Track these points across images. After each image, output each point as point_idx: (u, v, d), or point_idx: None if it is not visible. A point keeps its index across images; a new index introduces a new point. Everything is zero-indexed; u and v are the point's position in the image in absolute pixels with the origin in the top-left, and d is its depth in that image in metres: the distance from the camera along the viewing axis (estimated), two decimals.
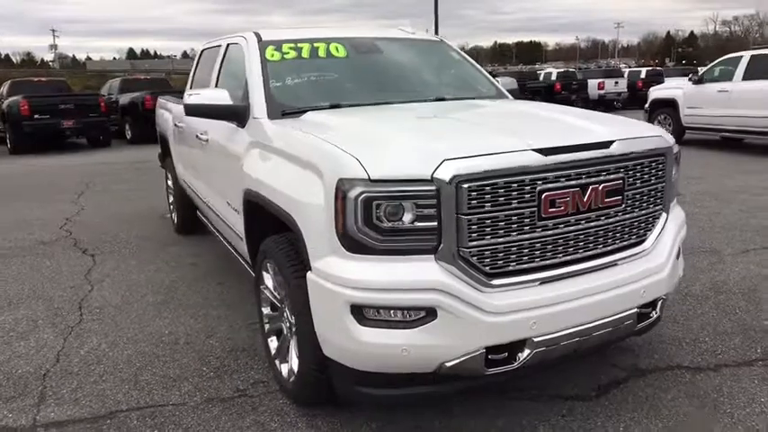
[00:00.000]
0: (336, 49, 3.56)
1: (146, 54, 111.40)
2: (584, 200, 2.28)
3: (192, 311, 3.92)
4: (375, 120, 2.86)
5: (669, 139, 2.61)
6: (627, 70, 28.52)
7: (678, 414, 2.60)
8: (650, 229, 2.56)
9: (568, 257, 2.31)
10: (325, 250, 2.20)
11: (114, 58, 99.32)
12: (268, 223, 2.97)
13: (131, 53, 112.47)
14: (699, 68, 15.07)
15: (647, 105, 12.68)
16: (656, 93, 12.59)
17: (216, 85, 3.98)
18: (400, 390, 2.28)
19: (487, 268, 2.16)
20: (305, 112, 3.02)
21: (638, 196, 2.45)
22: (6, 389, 2.99)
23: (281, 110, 3.07)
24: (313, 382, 2.52)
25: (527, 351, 2.22)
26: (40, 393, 2.94)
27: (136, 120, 14.96)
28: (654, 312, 2.58)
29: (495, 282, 2.16)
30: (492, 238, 2.15)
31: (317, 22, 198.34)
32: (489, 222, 2.13)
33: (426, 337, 2.11)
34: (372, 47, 3.76)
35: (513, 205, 2.15)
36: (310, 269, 2.28)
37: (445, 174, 2.05)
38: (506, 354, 2.22)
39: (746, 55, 10.70)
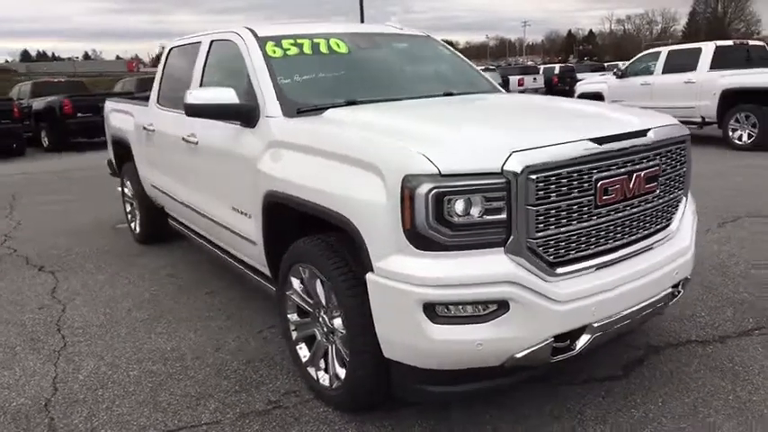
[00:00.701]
0: (337, 44, 3.48)
1: (42, 56, 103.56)
2: (630, 186, 2.36)
3: (189, 325, 3.70)
4: (411, 116, 2.81)
5: (685, 128, 2.75)
6: (542, 67, 29.91)
7: (706, 386, 2.76)
8: (674, 213, 2.70)
9: (617, 243, 2.39)
10: (390, 249, 2.14)
11: (7, 61, 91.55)
12: (291, 226, 2.88)
13: (26, 55, 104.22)
14: (620, 63, 16.00)
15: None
16: (583, 87, 13.28)
17: (200, 85, 3.77)
18: (465, 385, 2.27)
19: (551, 258, 2.19)
20: (322, 109, 2.92)
21: (668, 182, 2.58)
22: (6, 425, 2.70)
23: (295, 108, 2.95)
24: (365, 387, 2.45)
25: (587, 336, 2.28)
26: (49, 425, 2.67)
27: (53, 126, 13.93)
28: (679, 291, 2.72)
29: (559, 270, 2.20)
30: (555, 227, 2.18)
31: (225, 21, 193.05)
32: (553, 212, 2.16)
33: (499, 330, 2.11)
34: (372, 42, 3.71)
35: (574, 194, 2.20)
36: (371, 270, 2.21)
37: (515, 166, 2.06)
38: (568, 341, 2.26)
39: (664, 50, 11.51)
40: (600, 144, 2.25)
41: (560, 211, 2.18)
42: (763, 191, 6.73)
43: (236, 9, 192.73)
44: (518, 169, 2.05)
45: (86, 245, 5.63)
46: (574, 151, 2.18)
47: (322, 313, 2.69)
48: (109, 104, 5.87)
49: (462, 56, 4.09)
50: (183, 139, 3.77)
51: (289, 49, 3.32)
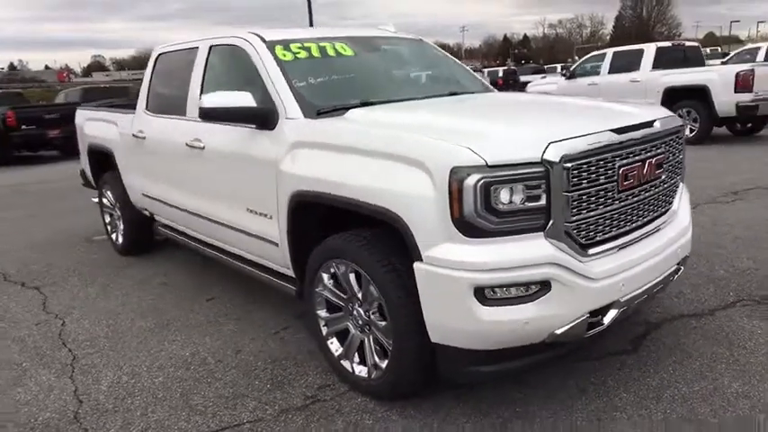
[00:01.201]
0: (343, 48, 3.58)
1: None
2: (644, 172, 2.58)
3: (200, 330, 3.69)
4: (437, 114, 2.95)
5: (678, 119, 3.02)
6: (485, 70, 30.72)
7: (707, 353, 3.02)
8: (674, 196, 2.95)
9: (633, 225, 2.61)
10: (439, 238, 2.27)
11: None
12: (315, 225, 2.96)
13: None
14: (559, 66, 16.71)
15: None
16: (534, 88, 13.83)
17: (201, 91, 3.78)
18: (508, 364, 2.42)
19: (583, 240, 2.37)
20: (341, 110, 3.02)
21: (670, 167, 2.82)
22: None
23: (315, 109, 3.04)
24: (409, 373, 2.57)
25: (615, 311, 2.48)
26: None
27: None
28: (680, 268, 2.97)
29: (590, 251, 2.38)
30: (586, 212, 2.37)
31: (158, 28, 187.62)
32: (584, 198, 2.35)
33: (543, 308, 2.27)
34: (373, 45, 3.83)
35: (601, 180, 2.39)
36: (420, 259, 2.33)
37: (554, 155, 2.23)
38: (599, 316, 2.45)
39: (609, 52, 12.16)
40: (620, 134, 2.46)
41: (590, 197, 2.37)
42: (709, 179, 7.24)
43: (168, 16, 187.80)
44: (556, 158, 2.23)
45: (64, 258, 5.46)
46: (601, 141, 2.37)
47: (357, 306, 2.78)
48: (83, 113, 5.72)
49: (453, 57, 4.27)
50: (187, 144, 3.77)
51: (298, 53, 3.39)
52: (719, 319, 3.39)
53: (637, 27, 71.10)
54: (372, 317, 2.69)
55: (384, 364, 2.65)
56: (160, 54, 4.50)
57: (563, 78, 12.94)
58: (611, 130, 2.45)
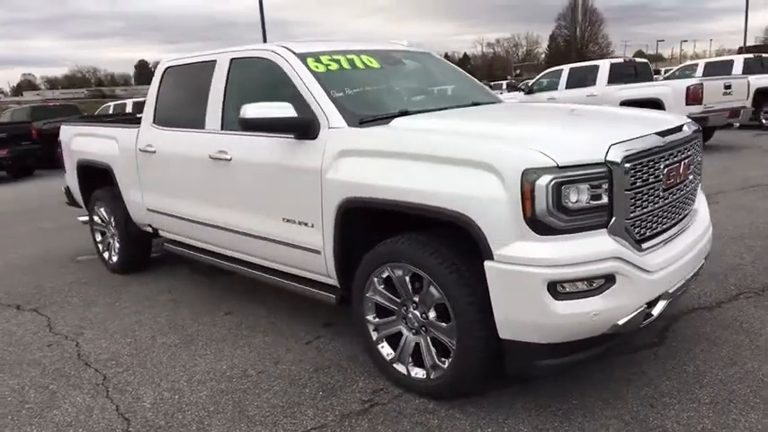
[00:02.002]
0: (370, 60, 3.66)
1: None
2: (680, 172, 2.79)
3: (229, 344, 3.64)
4: (485, 121, 3.07)
5: (696, 124, 3.26)
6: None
7: (729, 341, 3.24)
8: (696, 197, 3.18)
9: (672, 222, 2.80)
10: (511, 237, 2.37)
11: None
12: (363, 230, 3.02)
13: None
14: (503, 82, 17.34)
15: None
16: None
17: (224, 103, 3.77)
18: (572, 356, 2.53)
19: (637, 236, 2.54)
20: (383, 119, 3.09)
21: (696, 168, 3.05)
22: None
23: (357, 119, 3.10)
24: (474, 371, 2.64)
25: (663, 302, 2.64)
26: None
27: None
28: (705, 263, 3.19)
29: (644, 246, 2.55)
30: (639, 209, 2.53)
31: (90, 46, 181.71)
32: (638, 196, 2.52)
33: (608, 300, 2.40)
34: (396, 58, 3.93)
35: (650, 180, 2.57)
36: (491, 258, 2.42)
37: (615, 156, 2.38)
38: (651, 307, 2.61)
39: (566, 68, 12.75)
40: (663, 136, 2.66)
41: (642, 195, 2.54)
42: None
43: (104, 34, 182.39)
44: (618, 159, 2.39)
45: (54, 280, 5.23)
46: (650, 142, 2.56)
47: (412, 309, 2.85)
48: (70, 129, 5.53)
49: (461, 69, 4.43)
50: (210, 157, 3.74)
51: (330, 65, 3.45)
52: (729, 311, 3.64)
53: (570, 46, 74.49)
54: (431, 318, 2.76)
55: (446, 364, 2.72)
56: (168, 68, 4.44)
57: (522, 93, 13.43)
58: (656, 133, 2.64)
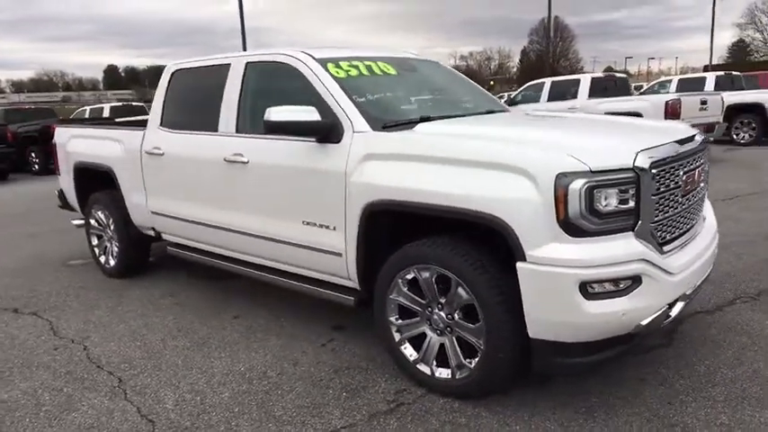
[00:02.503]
0: (386, 67, 3.73)
1: None
2: (695, 179, 2.92)
3: (243, 346, 3.63)
4: (506, 126, 3.16)
5: (703, 133, 3.41)
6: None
7: (733, 342, 3.38)
8: (704, 203, 3.32)
9: (688, 227, 2.92)
10: (544, 238, 2.45)
11: None
12: (386, 233, 3.07)
13: None
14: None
15: None
16: None
17: (239, 106, 3.79)
18: (598, 355, 2.62)
19: (660, 239, 2.65)
20: (405, 124, 3.16)
21: (705, 176, 3.19)
22: None
23: (380, 123, 3.16)
24: (502, 370, 2.70)
25: (681, 304, 2.75)
26: None
27: None
28: (712, 266, 3.32)
29: (665, 249, 2.66)
30: (662, 214, 2.65)
31: (58, 49, 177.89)
32: (662, 201, 2.63)
33: (635, 300, 2.50)
34: (410, 66, 4.00)
35: (672, 186, 2.69)
36: (523, 259, 2.50)
37: (643, 162, 2.49)
38: (671, 308, 2.72)
39: (548, 81, 13.05)
40: (681, 145, 2.78)
41: (665, 200, 2.65)
42: None
43: (72, 38, 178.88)
44: (645, 165, 2.49)
45: (49, 284, 5.13)
46: (673, 150, 2.68)
47: (437, 310, 2.90)
48: (66, 131, 5.45)
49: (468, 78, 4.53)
50: (225, 159, 3.74)
51: (349, 71, 3.50)
52: (729, 314, 3.79)
53: (543, 61, 76.11)
54: (457, 318, 2.82)
55: (472, 364, 2.77)
56: (175, 71, 4.43)
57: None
58: (675, 142, 2.77)
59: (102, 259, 5.29)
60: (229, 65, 3.94)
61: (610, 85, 12.46)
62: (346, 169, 3.09)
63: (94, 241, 5.37)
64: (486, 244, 2.76)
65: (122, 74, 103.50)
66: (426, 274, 2.86)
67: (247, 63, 3.83)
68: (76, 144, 5.26)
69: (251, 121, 3.73)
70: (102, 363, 3.50)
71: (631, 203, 2.49)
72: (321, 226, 3.30)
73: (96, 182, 5.20)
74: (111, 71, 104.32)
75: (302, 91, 3.43)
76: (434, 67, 4.35)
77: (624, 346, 2.66)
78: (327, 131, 3.20)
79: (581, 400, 2.84)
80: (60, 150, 5.49)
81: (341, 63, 3.55)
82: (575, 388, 2.94)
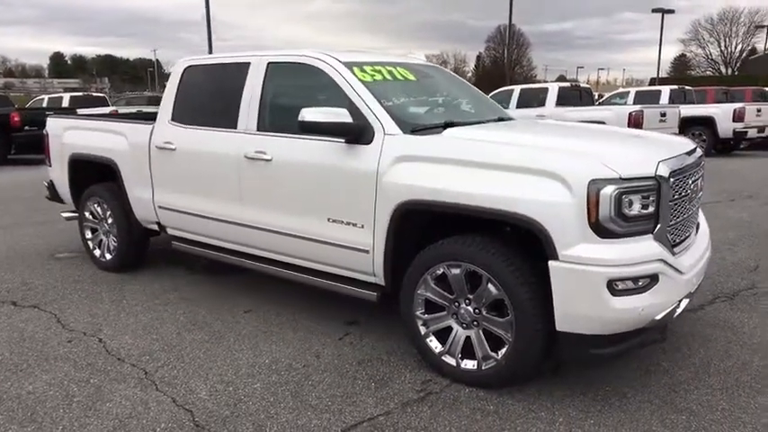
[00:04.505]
0: (406, 73, 3.89)
1: None
2: (698, 187, 3.21)
3: (262, 339, 3.72)
4: (538, 134, 3.39)
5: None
6: None
7: (719, 338, 3.71)
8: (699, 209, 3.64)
9: (690, 231, 3.21)
10: (576, 239, 2.67)
11: None
12: (412, 230, 3.24)
13: None
14: None
15: None
16: None
17: (260, 105, 3.87)
18: (620, 345, 2.85)
19: (672, 242, 2.91)
20: (432, 128, 3.33)
21: (702, 185, 3.49)
22: None
23: (410, 127, 3.32)
24: (530, 360, 2.91)
25: (686, 301, 3.04)
26: None
27: None
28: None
29: (675, 250, 2.93)
30: (675, 219, 2.92)
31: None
32: (675, 206, 2.90)
33: (653, 297, 2.75)
34: (424, 72, 4.17)
35: (683, 194, 2.97)
36: (556, 258, 2.71)
37: (664, 171, 2.75)
38: (678, 305, 2.99)
39: (517, 89, 13.50)
40: (689, 155, 3.07)
41: (678, 206, 2.93)
42: None
43: (15, 22, 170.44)
44: (665, 173, 2.75)
45: (41, 277, 5.04)
46: (684, 161, 2.95)
47: (463, 305, 3.08)
48: (61, 122, 5.35)
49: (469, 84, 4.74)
50: (246, 156, 3.82)
51: (374, 75, 3.64)
52: (711, 312, 4.14)
53: (499, 67, 77.77)
54: (484, 313, 3.01)
55: (499, 355, 2.97)
56: (188, 67, 4.45)
57: None
58: (685, 153, 3.05)
59: (97, 253, 5.23)
60: (249, 63, 4.01)
61: (576, 95, 13.00)
62: (378, 170, 3.24)
63: (88, 234, 5.30)
64: (513, 243, 2.96)
65: (69, 62, 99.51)
66: (456, 271, 3.04)
67: (269, 63, 3.92)
68: (73, 136, 5.19)
69: (274, 120, 3.82)
70: (122, 355, 3.52)
71: (652, 209, 2.75)
72: (348, 223, 3.43)
73: (93, 174, 5.15)
74: (56, 58, 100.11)
75: (328, 93, 3.55)
76: (440, 73, 4.54)
77: (638, 338, 2.91)
78: (358, 133, 3.33)
79: (595, 389, 3.08)
80: (54, 141, 5.39)
81: (365, 67, 3.68)
82: (586, 379, 3.18)
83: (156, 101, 21.23)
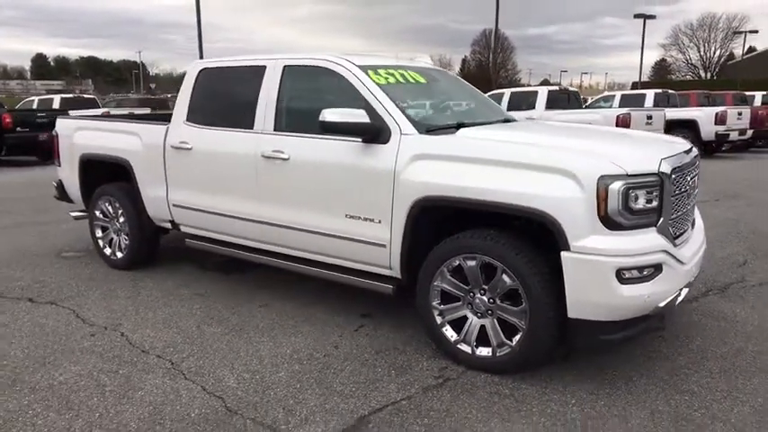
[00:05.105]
0: (416, 76, 4.07)
1: None
2: (695, 184, 3.43)
3: (280, 332, 3.86)
4: (546, 134, 3.58)
5: None
6: None
7: (714, 327, 3.92)
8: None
9: (687, 225, 3.42)
10: (587, 232, 2.86)
11: None
12: (427, 225, 3.42)
13: None
14: None
15: None
16: None
17: (276, 106, 4.02)
18: (625, 332, 3.05)
19: (673, 234, 3.12)
20: (445, 128, 3.51)
21: (698, 182, 3.71)
22: (210, 429, 2.74)
23: (424, 127, 3.49)
24: (543, 346, 3.09)
25: (686, 290, 3.25)
26: (256, 423, 2.79)
27: None
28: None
29: (676, 242, 3.14)
30: (676, 213, 3.12)
31: None
32: (676, 201, 3.10)
33: (657, 285, 2.95)
34: (433, 75, 4.35)
35: (683, 189, 3.18)
36: (567, 249, 2.90)
37: (666, 168, 2.96)
38: (679, 294, 3.20)
39: (507, 92, 13.78)
40: (687, 154, 3.28)
41: (678, 201, 3.13)
42: None
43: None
44: (668, 170, 2.96)
45: (52, 275, 5.12)
46: (685, 158, 3.16)
47: (478, 295, 3.26)
48: (70, 123, 5.45)
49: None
50: (263, 156, 3.96)
51: (388, 78, 3.81)
52: (705, 304, 4.37)
53: (484, 71, 78.52)
54: (499, 302, 3.19)
55: (513, 342, 3.15)
56: (203, 69, 4.58)
57: None
58: (684, 152, 3.26)
59: (107, 251, 5.33)
60: (264, 67, 4.16)
61: (564, 98, 13.30)
62: (395, 168, 3.40)
63: (99, 233, 5.39)
64: (524, 236, 3.15)
65: (52, 63, 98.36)
66: (472, 263, 3.22)
67: (285, 66, 4.07)
68: (84, 136, 5.28)
69: (290, 120, 3.97)
70: (146, 347, 3.64)
71: (655, 203, 2.95)
72: (366, 219, 3.59)
73: (103, 174, 5.25)
74: (39, 60, 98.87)
75: (344, 95, 3.71)
76: (447, 76, 4.73)
77: (642, 325, 3.11)
78: (376, 133, 3.50)
79: (602, 374, 3.27)
80: (64, 142, 5.47)
81: (379, 71, 3.85)
82: (593, 364, 3.37)
83: (147, 103, 21.25)
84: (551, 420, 2.82)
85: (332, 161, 3.68)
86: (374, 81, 3.70)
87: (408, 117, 3.52)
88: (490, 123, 3.91)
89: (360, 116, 3.43)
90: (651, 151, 3.11)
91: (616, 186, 2.82)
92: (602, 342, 3.08)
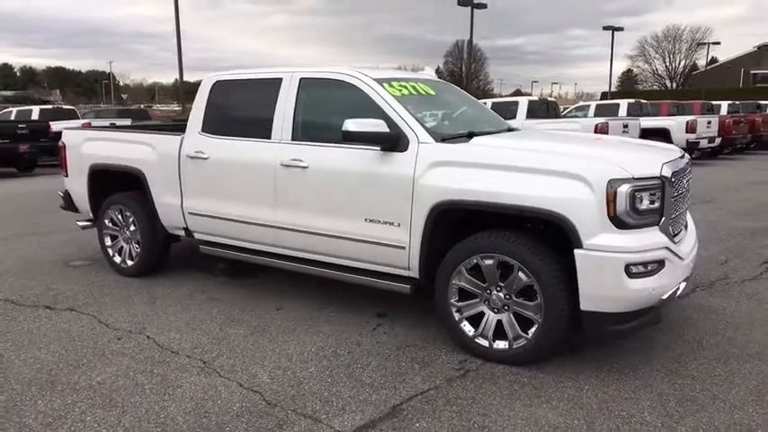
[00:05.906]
0: (426, 88, 4.32)
1: None
2: (689, 187, 3.74)
3: (302, 331, 4.04)
4: (555, 142, 3.85)
5: None
6: None
7: (705, 319, 4.24)
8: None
9: (682, 227, 3.73)
10: (598, 230, 3.13)
11: None
12: (444, 227, 3.65)
13: None
14: None
15: None
16: None
17: (294, 118, 4.21)
18: (634, 322, 3.31)
19: (672, 233, 3.41)
20: (459, 137, 3.76)
21: (691, 185, 4.03)
22: (253, 421, 2.91)
23: (440, 136, 3.74)
24: (557, 336, 3.34)
25: (684, 284, 3.54)
26: (296, 414, 2.97)
27: None
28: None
29: (675, 240, 3.43)
30: (674, 213, 3.42)
31: None
32: (675, 202, 3.40)
33: (661, 279, 3.24)
34: (441, 87, 4.60)
35: (681, 191, 3.48)
36: (580, 247, 3.16)
37: (667, 172, 3.25)
38: (678, 287, 3.49)
39: (489, 102, 14.13)
40: (682, 159, 3.59)
41: (677, 202, 3.43)
42: None
43: None
44: (668, 174, 3.25)
45: (64, 283, 5.20)
46: (682, 162, 3.47)
47: (495, 291, 3.50)
48: (78, 134, 5.55)
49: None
50: (282, 164, 4.15)
51: (401, 90, 4.05)
52: (694, 299, 4.69)
53: (457, 81, 79.72)
54: (515, 298, 3.43)
55: (529, 335, 3.39)
56: (217, 82, 4.75)
57: None
58: (679, 157, 3.57)
59: (117, 259, 5.43)
60: (280, 79, 4.36)
61: (543, 108, 13.75)
62: (414, 174, 3.64)
63: (108, 242, 5.49)
64: (537, 236, 3.41)
65: (18, 74, 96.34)
66: (489, 262, 3.46)
67: (302, 79, 4.27)
68: (93, 147, 5.39)
69: (308, 130, 4.18)
70: (175, 348, 3.78)
71: (657, 204, 3.24)
72: (385, 222, 3.80)
73: (113, 184, 5.35)
74: (4, 70, 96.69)
75: (362, 106, 3.93)
76: (452, 88, 5.00)
77: (647, 316, 3.38)
78: (395, 142, 3.73)
79: (610, 363, 3.54)
80: (72, 153, 5.56)
81: (393, 83, 4.09)
82: (599, 354, 3.63)
83: (127, 114, 21.12)
84: (569, 404, 3.07)
85: (351, 168, 3.90)
86: (390, 93, 3.93)
87: (425, 127, 3.76)
88: (498, 132, 4.18)
89: (380, 126, 3.66)
90: (653, 157, 3.41)
91: (624, 189, 3.10)
92: (612, 332, 3.34)
